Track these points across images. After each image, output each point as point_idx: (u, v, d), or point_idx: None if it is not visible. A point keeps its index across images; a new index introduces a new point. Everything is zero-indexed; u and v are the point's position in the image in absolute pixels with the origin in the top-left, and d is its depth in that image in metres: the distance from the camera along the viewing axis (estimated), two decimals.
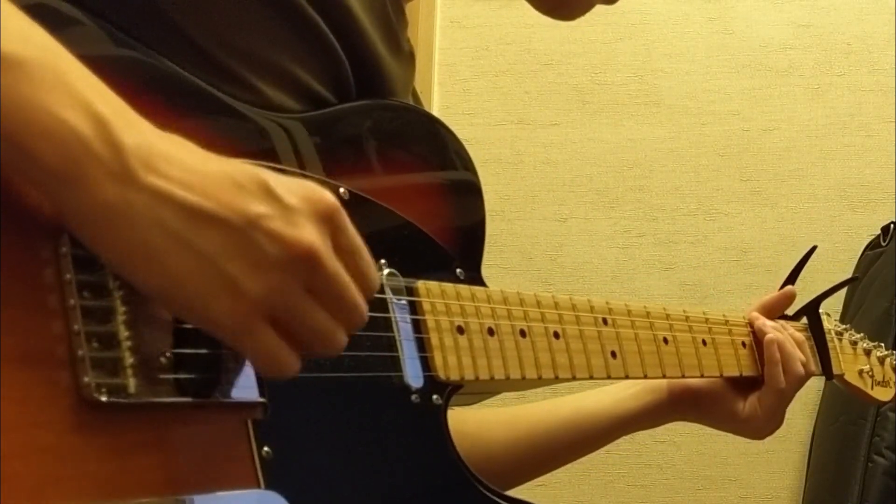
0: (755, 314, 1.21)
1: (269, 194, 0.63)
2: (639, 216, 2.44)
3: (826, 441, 2.25)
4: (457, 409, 1.05)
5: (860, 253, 2.36)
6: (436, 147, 0.93)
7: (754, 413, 1.19)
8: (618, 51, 2.47)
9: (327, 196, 0.66)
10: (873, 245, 2.35)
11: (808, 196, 2.42)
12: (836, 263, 2.35)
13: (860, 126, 2.41)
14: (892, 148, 2.38)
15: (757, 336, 1.20)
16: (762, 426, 1.20)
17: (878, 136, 2.41)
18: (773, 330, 1.19)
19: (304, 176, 0.79)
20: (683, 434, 2.36)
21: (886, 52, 2.40)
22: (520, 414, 1.19)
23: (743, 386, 1.20)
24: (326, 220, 0.65)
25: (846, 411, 2.16)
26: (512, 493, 0.90)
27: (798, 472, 2.36)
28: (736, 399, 1.19)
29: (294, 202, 0.64)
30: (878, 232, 2.35)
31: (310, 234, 0.64)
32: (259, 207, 0.63)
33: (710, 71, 2.45)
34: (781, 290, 1.26)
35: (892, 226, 2.32)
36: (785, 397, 1.19)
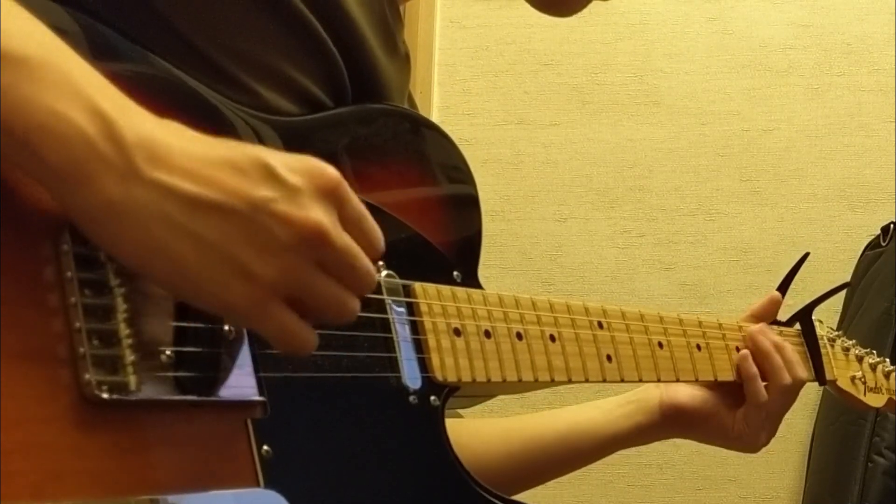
0: (743, 324, 1.21)
1: (271, 176, 0.64)
2: (639, 216, 2.44)
3: (826, 441, 2.25)
4: (451, 420, 1.05)
5: (860, 253, 2.36)
6: (432, 154, 0.93)
7: (742, 430, 1.18)
8: (618, 51, 2.47)
9: (329, 170, 0.66)
10: (873, 245, 2.35)
11: (808, 196, 2.42)
12: (835, 263, 2.35)
13: (860, 126, 2.41)
14: (892, 148, 2.39)
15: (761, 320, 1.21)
16: (752, 440, 1.19)
17: (878, 136, 2.41)
18: (751, 342, 1.18)
19: None
20: None
21: (886, 52, 2.40)
22: (514, 427, 1.19)
23: (734, 401, 1.19)
24: (330, 195, 0.66)
25: (846, 411, 2.16)
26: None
27: (798, 472, 2.36)
28: (727, 416, 1.19)
29: (297, 181, 0.64)
30: (878, 232, 2.35)
31: (316, 213, 0.64)
32: (263, 191, 0.63)
33: (710, 71, 2.45)
34: (767, 297, 1.26)
35: (891, 226, 2.32)
36: (772, 408, 1.18)
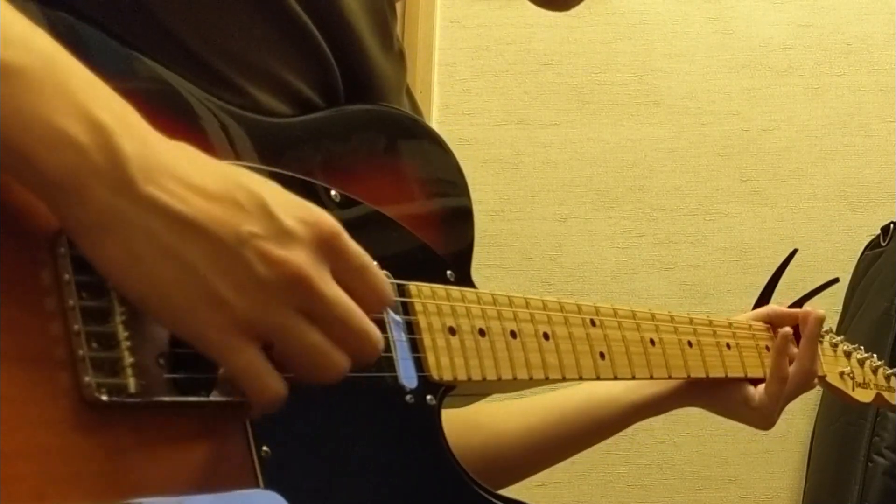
0: (734, 320, 1.23)
1: (265, 214, 0.63)
2: (639, 216, 2.44)
3: (826, 441, 2.25)
4: (467, 407, 1.05)
5: (860, 253, 2.36)
6: (423, 154, 0.92)
7: (762, 401, 1.21)
8: (618, 51, 2.47)
9: (327, 220, 0.66)
10: (873, 245, 2.35)
11: (808, 196, 2.42)
12: (835, 263, 2.36)
13: (860, 126, 2.42)
14: (892, 148, 2.39)
15: (774, 322, 1.24)
16: (768, 414, 1.22)
17: (878, 136, 2.41)
18: (804, 322, 1.24)
19: (296, 179, 0.78)
20: (683, 434, 2.36)
21: (886, 52, 2.41)
22: (532, 403, 1.19)
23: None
24: (325, 245, 0.65)
25: (846, 411, 2.17)
26: (510, 493, 0.90)
27: (798, 472, 2.36)
28: (748, 386, 1.21)
29: (290, 224, 0.64)
30: (878, 232, 2.35)
31: (298, 257, 0.64)
32: (252, 227, 0.63)
33: (710, 71, 2.46)
34: (793, 311, 1.29)
35: (891, 226, 2.32)
36: (789, 389, 1.22)
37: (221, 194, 0.63)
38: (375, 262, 0.69)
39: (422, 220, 0.89)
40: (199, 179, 0.63)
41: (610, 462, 2.37)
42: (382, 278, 0.69)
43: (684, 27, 2.47)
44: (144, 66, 0.73)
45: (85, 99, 0.60)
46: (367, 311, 0.68)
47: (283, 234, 0.63)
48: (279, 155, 0.80)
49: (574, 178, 2.46)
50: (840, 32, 2.43)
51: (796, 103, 2.43)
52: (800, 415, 2.32)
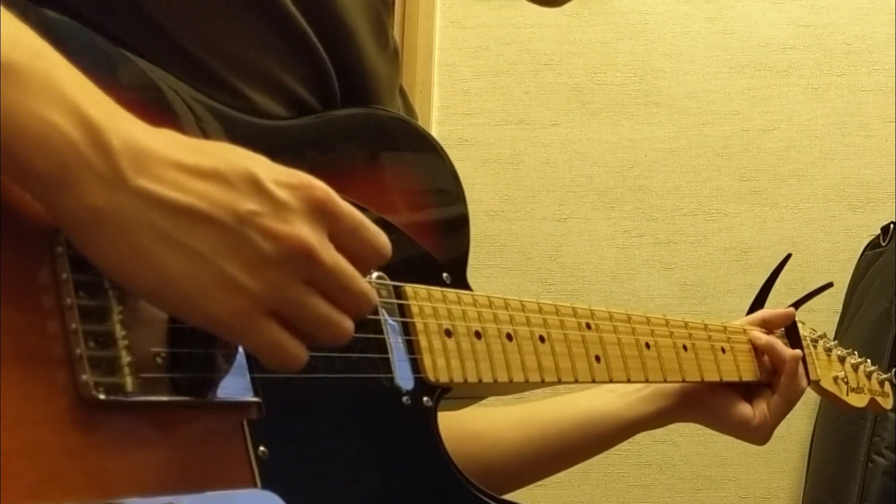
0: (728, 325, 1.23)
1: (258, 190, 0.64)
2: (639, 216, 2.44)
3: (826, 441, 2.25)
4: (466, 409, 1.05)
5: (860, 253, 2.36)
6: (417, 157, 0.92)
7: (764, 420, 1.22)
8: (618, 51, 2.47)
9: (318, 185, 0.66)
10: (873, 245, 2.35)
11: (808, 196, 2.42)
12: (835, 263, 2.36)
13: (860, 126, 2.42)
14: (892, 148, 2.39)
15: (755, 343, 1.23)
16: (768, 433, 1.23)
17: (878, 136, 2.41)
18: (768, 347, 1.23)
19: None
20: (683, 434, 2.36)
21: (886, 52, 2.40)
22: (531, 414, 1.19)
23: (748, 392, 1.22)
24: (319, 210, 0.65)
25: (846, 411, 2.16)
26: (507, 495, 0.90)
27: (798, 472, 2.36)
28: (745, 405, 1.22)
29: (284, 196, 0.64)
30: (878, 232, 2.35)
31: (301, 229, 0.64)
32: (249, 204, 0.63)
33: (710, 71, 2.45)
34: (784, 311, 1.29)
35: (891, 226, 2.32)
36: (791, 407, 1.23)
37: (211, 174, 0.63)
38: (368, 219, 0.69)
39: (415, 228, 0.89)
40: (188, 160, 0.62)
41: (610, 462, 2.37)
42: (378, 233, 0.69)
43: (684, 27, 2.47)
44: (131, 66, 0.73)
45: (73, 94, 0.60)
46: (368, 268, 0.69)
47: (280, 208, 0.64)
48: (271, 158, 0.80)
49: (574, 178, 2.46)
50: (840, 32, 2.43)
51: (796, 103, 2.43)
52: (800, 415, 2.32)
